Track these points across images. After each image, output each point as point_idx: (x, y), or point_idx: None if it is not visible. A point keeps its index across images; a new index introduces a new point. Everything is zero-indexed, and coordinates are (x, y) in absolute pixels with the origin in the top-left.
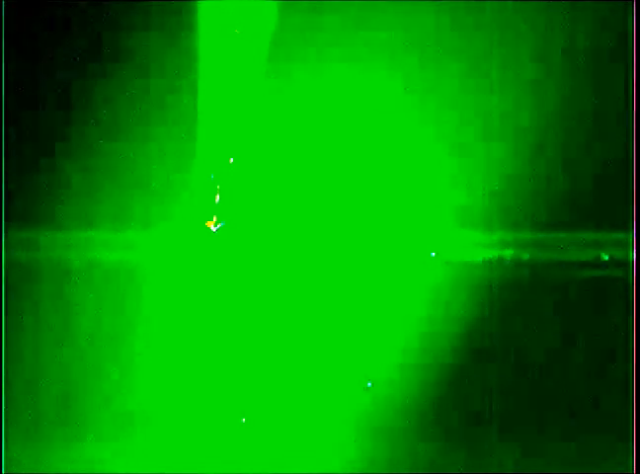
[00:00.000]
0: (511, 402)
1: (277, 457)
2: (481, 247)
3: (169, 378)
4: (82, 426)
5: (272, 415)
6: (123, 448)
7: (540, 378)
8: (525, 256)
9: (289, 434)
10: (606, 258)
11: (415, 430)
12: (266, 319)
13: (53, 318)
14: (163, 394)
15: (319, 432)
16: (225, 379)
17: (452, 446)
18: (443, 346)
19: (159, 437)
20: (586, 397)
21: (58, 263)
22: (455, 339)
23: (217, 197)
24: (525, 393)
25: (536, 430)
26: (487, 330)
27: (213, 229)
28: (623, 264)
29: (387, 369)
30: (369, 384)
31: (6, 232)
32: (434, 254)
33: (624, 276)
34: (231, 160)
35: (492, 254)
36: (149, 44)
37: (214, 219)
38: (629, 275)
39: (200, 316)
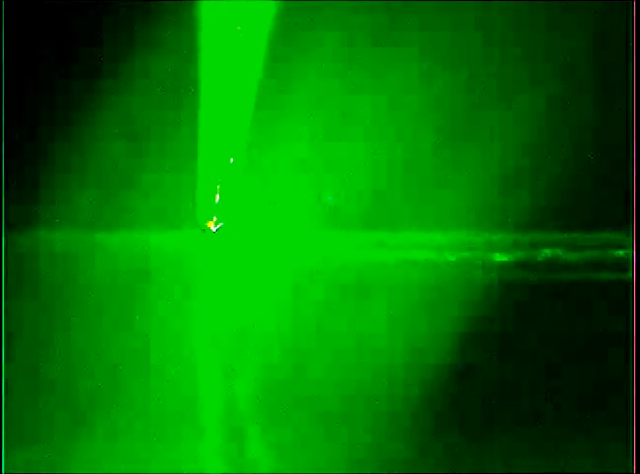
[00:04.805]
0: (510, 403)
1: (275, 456)
2: (481, 248)
3: (170, 375)
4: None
5: (269, 413)
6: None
7: (540, 379)
8: (525, 256)
9: (289, 429)
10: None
11: (413, 429)
12: (265, 317)
13: (56, 315)
14: (162, 391)
15: (319, 430)
16: (223, 376)
17: (448, 446)
18: (444, 346)
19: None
20: (586, 397)
21: (60, 260)
22: (455, 339)
23: (217, 196)
24: (525, 394)
25: (535, 430)
26: (487, 330)
27: (213, 229)
28: (623, 264)
29: (386, 369)
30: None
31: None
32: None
33: (624, 276)
34: (231, 160)
35: (491, 255)
36: (150, 45)
37: (214, 219)
38: (629, 275)
39: (199, 314)
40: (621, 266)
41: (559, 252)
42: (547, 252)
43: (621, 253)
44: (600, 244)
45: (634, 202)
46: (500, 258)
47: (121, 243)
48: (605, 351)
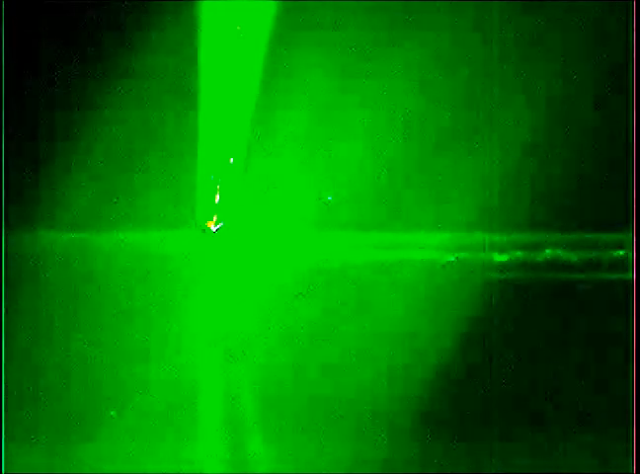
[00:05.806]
0: (510, 403)
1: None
2: (481, 248)
3: (169, 375)
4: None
5: (269, 413)
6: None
7: (540, 379)
8: (525, 256)
9: (288, 431)
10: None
11: (411, 429)
12: (265, 317)
13: (58, 313)
14: (162, 391)
15: (320, 430)
16: (223, 376)
17: (448, 446)
18: (444, 346)
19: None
20: (586, 397)
21: (60, 260)
22: (455, 339)
23: (217, 196)
24: (525, 394)
25: (535, 430)
26: (487, 330)
27: (213, 229)
28: (623, 264)
29: (386, 369)
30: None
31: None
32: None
33: (624, 276)
34: (231, 160)
35: (491, 255)
36: (150, 45)
37: (214, 219)
38: (629, 275)
39: (198, 314)
40: (621, 266)
41: (559, 252)
42: (547, 252)
43: (621, 253)
44: (600, 244)
45: (634, 202)
46: (500, 258)
47: (121, 243)
48: (605, 351)
